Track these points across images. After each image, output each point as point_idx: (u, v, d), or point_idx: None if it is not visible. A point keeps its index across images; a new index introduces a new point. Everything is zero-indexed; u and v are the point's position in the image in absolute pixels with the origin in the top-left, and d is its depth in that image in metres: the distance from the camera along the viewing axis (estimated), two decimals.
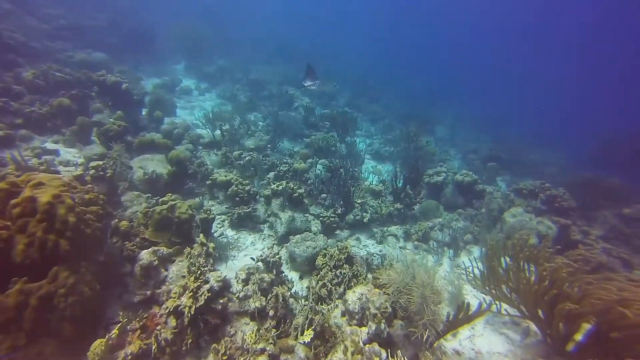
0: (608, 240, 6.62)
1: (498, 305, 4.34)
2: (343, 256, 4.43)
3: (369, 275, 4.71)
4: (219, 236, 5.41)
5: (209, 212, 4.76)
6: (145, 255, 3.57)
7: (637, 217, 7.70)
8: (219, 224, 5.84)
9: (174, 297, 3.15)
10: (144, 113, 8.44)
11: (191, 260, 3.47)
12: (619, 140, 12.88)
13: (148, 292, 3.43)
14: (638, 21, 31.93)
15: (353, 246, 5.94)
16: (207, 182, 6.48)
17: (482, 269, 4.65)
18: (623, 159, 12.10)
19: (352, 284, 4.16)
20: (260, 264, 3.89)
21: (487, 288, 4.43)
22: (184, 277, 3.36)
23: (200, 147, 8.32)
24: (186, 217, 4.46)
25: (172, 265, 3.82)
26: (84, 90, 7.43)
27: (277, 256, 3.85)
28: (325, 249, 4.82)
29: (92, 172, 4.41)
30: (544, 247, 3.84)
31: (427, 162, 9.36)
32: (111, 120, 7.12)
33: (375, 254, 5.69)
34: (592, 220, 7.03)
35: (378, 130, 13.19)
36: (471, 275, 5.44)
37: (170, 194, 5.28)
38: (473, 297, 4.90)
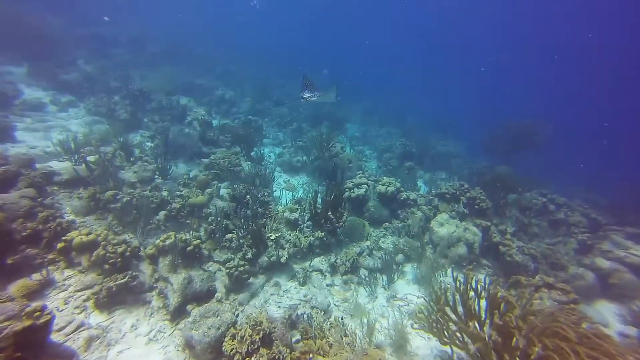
0: (516, 234, 7.07)
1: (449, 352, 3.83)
2: (258, 336, 3.30)
3: (297, 347, 3.71)
4: (72, 332, 3.66)
5: (38, 312, 3.03)
6: None
7: (528, 206, 8.59)
8: (77, 307, 4.04)
9: None
10: None
11: None
12: (498, 132, 14.76)
13: None
14: (547, 16, 37.78)
15: (272, 294, 4.88)
16: (59, 246, 4.53)
17: (424, 308, 4.09)
18: (501, 148, 13.90)
19: None
20: None
21: (433, 330, 3.86)
22: None
23: (56, 188, 6.05)
24: None
25: None
26: None
27: None
28: (234, 325, 3.62)
29: None
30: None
31: (345, 171, 8.86)
32: None
33: (300, 303, 4.74)
34: (502, 215, 7.48)
35: (287, 135, 12.25)
36: (411, 306, 4.97)
37: None
38: (416, 336, 4.34)
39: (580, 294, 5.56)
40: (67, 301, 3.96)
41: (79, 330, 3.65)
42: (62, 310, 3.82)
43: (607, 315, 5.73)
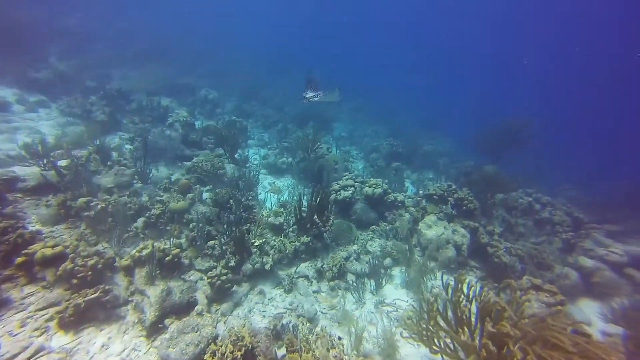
0: (502, 235, 7.08)
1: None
2: (239, 352, 3.08)
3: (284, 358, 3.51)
4: (30, 358, 3.31)
5: None
6: None
7: (514, 205, 8.67)
8: (37, 329, 3.66)
9: None
10: None
11: None
12: (490, 130, 14.88)
13: None
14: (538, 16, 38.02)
15: (257, 303, 4.66)
16: (17, 260, 4.14)
17: (413, 315, 3.96)
18: (492, 147, 14.03)
19: None
20: None
21: (424, 338, 3.73)
22: None
23: (19, 196, 5.61)
24: None
25: None
26: None
27: None
28: (215, 340, 3.39)
29: None
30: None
31: (331, 172, 8.69)
32: None
33: (285, 311, 4.53)
34: (490, 215, 7.49)
35: (273, 136, 12.00)
36: (400, 311, 4.85)
37: None
38: (406, 344, 4.21)
39: (565, 293, 5.59)
40: (24, 323, 3.59)
41: (36, 356, 3.29)
42: (16, 335, 3.45)
43: (590, 314, 5.79)
